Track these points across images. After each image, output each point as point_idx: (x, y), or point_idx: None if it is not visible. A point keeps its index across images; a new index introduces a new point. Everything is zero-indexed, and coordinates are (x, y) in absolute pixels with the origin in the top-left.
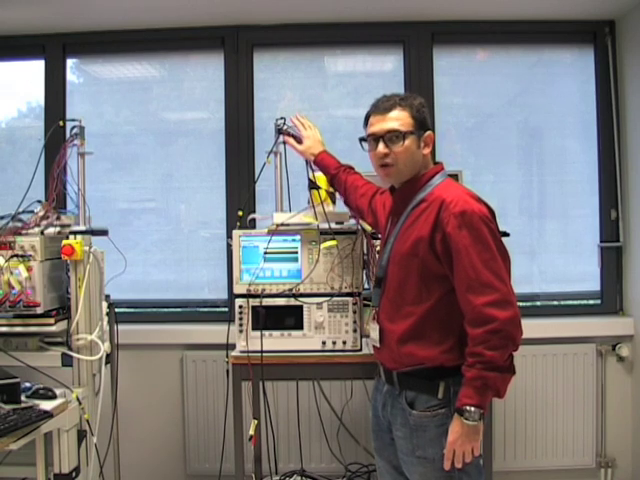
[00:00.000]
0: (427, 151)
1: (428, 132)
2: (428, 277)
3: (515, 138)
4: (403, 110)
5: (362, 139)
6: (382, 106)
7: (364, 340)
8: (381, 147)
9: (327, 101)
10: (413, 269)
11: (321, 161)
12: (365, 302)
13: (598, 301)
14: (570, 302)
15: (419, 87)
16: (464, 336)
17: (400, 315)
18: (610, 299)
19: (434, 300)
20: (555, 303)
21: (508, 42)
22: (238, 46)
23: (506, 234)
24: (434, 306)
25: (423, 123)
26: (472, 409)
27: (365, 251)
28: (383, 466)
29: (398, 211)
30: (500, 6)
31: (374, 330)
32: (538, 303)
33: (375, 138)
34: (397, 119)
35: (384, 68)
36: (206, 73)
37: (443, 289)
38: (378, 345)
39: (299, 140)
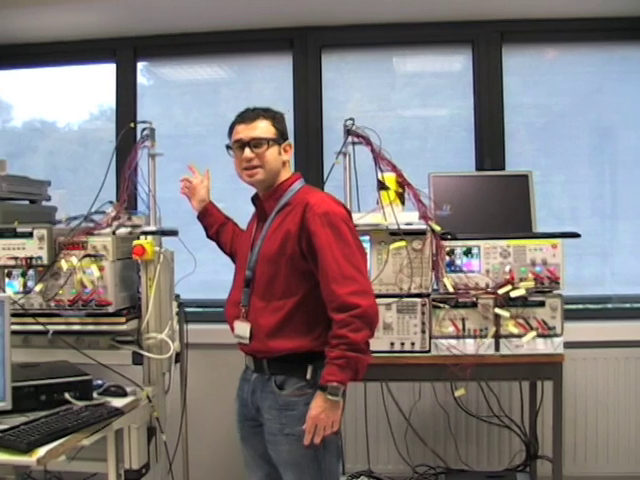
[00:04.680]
0: (286, 158)
1: (288, 141)
2: (295, 273)
3: (587, 138)
4: (266, 120)
5: (228, 147)
6: (248, 116)
7: (433, 341)
8: (247, 152)
9: (395, 101)
10: (282, 266)
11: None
12: (434, 303)
13: None
14: None
15: (488, 87)
16: (329, 324)
17: (269, 310)
18: None
19: (301, 294)
20: (627, 306)
21: (579, 40)
22: (307, 47)
23: (577, 235)
24: (302, 299)
25: (283, 133)
26: (335, 384)
27: (434, 252)
28: (249, 455)
29: (263, 217)
30: (570, 3)
31: (244, 328)
32: (609, 306)
33: (241, 145)
34: (261, 127)
35: (452, 68)
36: (275, 74)
37: (309, 284)
38: (247, 342)
39: None
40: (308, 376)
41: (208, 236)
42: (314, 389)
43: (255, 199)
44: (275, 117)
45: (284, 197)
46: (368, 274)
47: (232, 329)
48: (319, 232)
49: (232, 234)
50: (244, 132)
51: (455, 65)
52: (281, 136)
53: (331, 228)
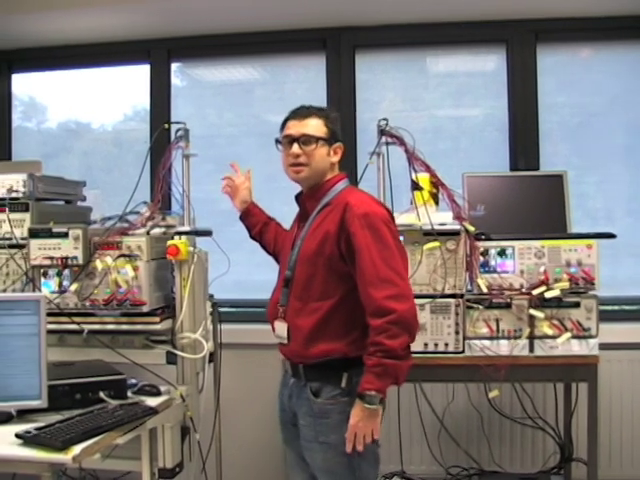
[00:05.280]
0: (335, 159)
1: (338, 143)
2: (333, 275)
3: (622, 137)
4: (319, 118)
5: (277, 141)
6: (301, 113)
7: (467, 342)
8: (295, 148)
9: (429, 101)
10: (320, 267)
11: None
12: (468, 304)
13: None
14: None
15: (522, 86)
16: (367, 329)
17: (307, 311)
18: None
19: (339, 296)
20: None
21: (613, 38)
22: (340, 48)
23: (612, 235)
24: (339, 302)
25: (335, 133)
26: (372, 393)
27: (468, 252)
28: (292, 458)
29: (305, 216)
30: (605, 1)
31: (282, 328)
32: None
33: (290, 140)
34: (313, 125)
35: (486, 68)
36: (308, 75)
37: (347, 286)
38: (286, 342)
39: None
40: (343, 384)
41: (251, 236)
42: (349, 397)
43: (298, 198)
44: (329, 117)
45: (326, 197)
46: (409, 277)
47: (273, 329)
48: (358, 233)
49: (275, 234)
50: (295, 128)
51: (488, 65)
52: (332, 136)
53: (370, 230)
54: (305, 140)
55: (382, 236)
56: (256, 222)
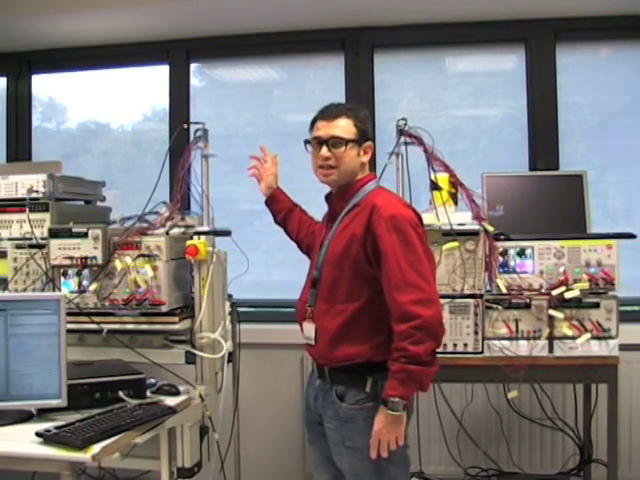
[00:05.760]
0: (365, 159)
1: (368, 142)
2: (359, 277)
3: None
4: (348, 119)
5: (307, 141)
6: (330, 113)
7: (486, 343)
8: (324, 150)
9: (447, 101)
10: (346, 269)
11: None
12: (487, 304)
13: None
14: None
15: (541, 86)
16: (392, 333)
17: (332, 313)
18: None
19: (364, 299)
20: None
21: (633, 37)
22: (359, 48)
23: (632, 235)
24: (364, 305)
25: (365, 133)
26: (396, 400)
27: (487, 253)
28: (317, 457)
29: (334, 216)
30: (624, 0)
31: (310, 329)
32: None
33: (320, 142)
34: (342, 126)
35: (505, 67)
36: (326, 75)
37: (373, 289)
38: (313, 343)
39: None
40: (367, 389)
41: (276, 222)
42: (374, 402)
43: (328, 197)
44: (358, 116)
45: (355, 198)
46: (436, 281)
47: (301, 329)
48: (384, 236)
49: (299, 222)
50: (324, 129)
51: (507, 64)
52: (362, 136)
53: (397, 233)
54: (334, 143)
55: (409, 239)
56: (281, 208)
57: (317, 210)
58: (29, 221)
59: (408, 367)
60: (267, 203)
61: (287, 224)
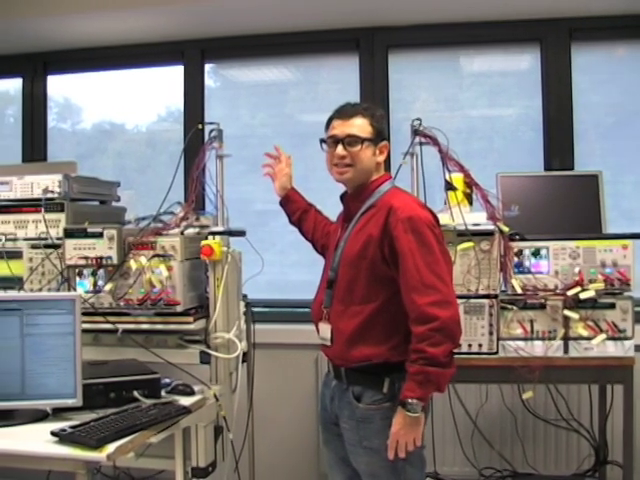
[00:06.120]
0: (381, 159)
1: (384, 142)
2: (376, 278)
3: None
4: (364, 118)
5: (322, 140)
6: (346, 112)
7: (500, 343)
8: (340, 149)
9: (462, 101)
10: (362, 270)
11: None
12: (502, 304)
13: None
14: None
15: (557, 86)
16: (409, 334)
17: (348, 314)
18: None
19: (381, 300)
20: None
21: None
22: (373, 48)
23: None
24: (381, 306)
25: (381, 132)
26: (414, 401)
27: (502, 253)
28: (331, 458)
29: (349, 217)
30: None
31: (325, 330)
32: None
33: (335, 140)
34: (358, 125)
35: (520, 67)
36: (341, 75)
37: (390, 290)
38: (329, 344)
39: None
40: (385, 389)
41: (291, 222)
42: (391, 403)
43: (343, 197)
44: (374, 115)
45: (370, 198)
46: (453, 283)
47: (317, 330)
48: (401, 238)
49: (314, 222)
50: (340, 128)
51: (522, 64)
52: (378, 136)
53: (414, 234)
54: (350, 141)
55: (426, 240)
56: (296, 209)
57: (332, 210)
58: (44, 221)
59: (426, 369)
60: (282, 204)
61: (302, 224)
